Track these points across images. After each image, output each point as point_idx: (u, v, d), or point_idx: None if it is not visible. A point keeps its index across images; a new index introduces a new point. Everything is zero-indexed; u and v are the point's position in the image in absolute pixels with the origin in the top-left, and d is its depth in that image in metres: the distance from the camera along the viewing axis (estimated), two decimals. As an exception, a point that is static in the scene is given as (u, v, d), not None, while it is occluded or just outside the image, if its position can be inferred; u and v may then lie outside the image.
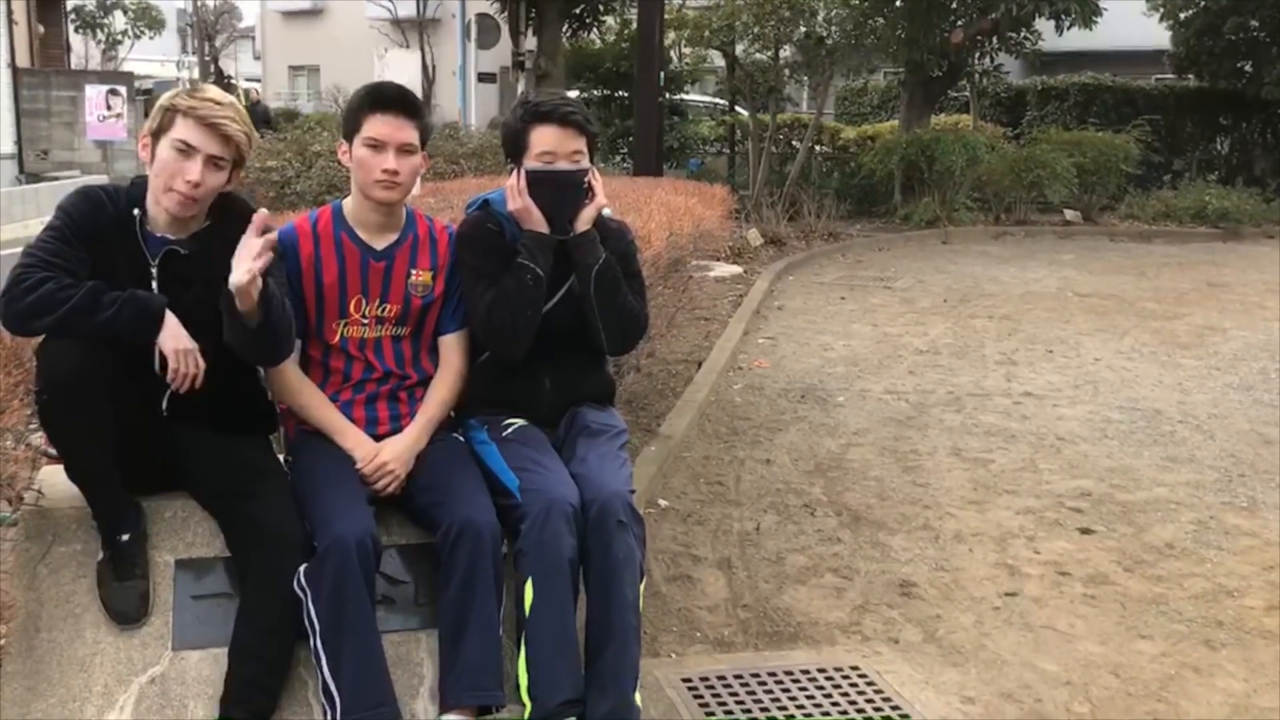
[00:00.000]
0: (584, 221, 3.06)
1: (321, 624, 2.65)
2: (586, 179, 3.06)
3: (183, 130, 2.68)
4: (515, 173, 3.05)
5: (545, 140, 3.01)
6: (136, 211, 2.74)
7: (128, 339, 2.60)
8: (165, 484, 2.84)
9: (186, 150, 2.68)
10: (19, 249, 2.74)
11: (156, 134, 2.72)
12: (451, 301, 3.08)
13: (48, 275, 2.56)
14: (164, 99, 2.75)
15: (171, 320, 2.63)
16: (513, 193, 3.03)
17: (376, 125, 2.91)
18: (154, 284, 2.72)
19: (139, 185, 2.78)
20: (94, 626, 2.73)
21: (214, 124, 2.68)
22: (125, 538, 2.71)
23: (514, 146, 3.07)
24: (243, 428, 2.92)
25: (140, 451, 2.72)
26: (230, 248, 2.64)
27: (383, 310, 3.01)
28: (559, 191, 3.03)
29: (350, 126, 2.94)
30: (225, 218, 2.80)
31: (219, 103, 2.73)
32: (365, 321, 3.00)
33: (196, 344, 2.65)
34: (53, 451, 2.88)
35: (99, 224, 2.70)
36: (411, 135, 2.93)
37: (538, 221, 3.02)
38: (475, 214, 3.17)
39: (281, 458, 3.04)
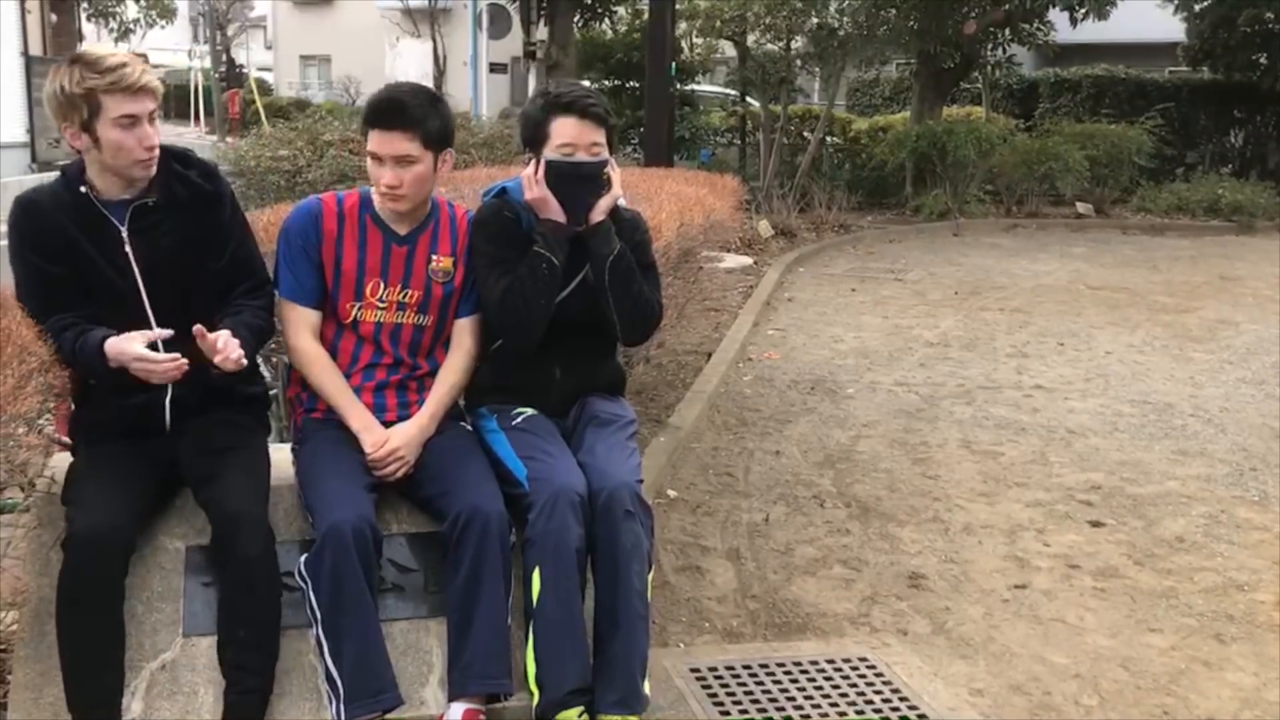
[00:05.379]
0: (599, 212, 3.06)
1: (322, 612, 2.67)
2: (605, 171, 3.05)
3: (117, 106, 2.67)
4: (533, 162, 3.05)
5: (565, 132, 3.00)
6: (83, 189, 2.76)
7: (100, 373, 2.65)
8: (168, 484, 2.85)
9: (133, 121, 2.69)
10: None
11: (88, 123, 2.69)
12: (466, 286, 3.09)
13: (53, 330, 2.64)
14: (66, 87, 2.67)
15: (112, 345, 2.62)
16: (530, 181, 3.03)
17: (372, 139, 2.91)
18: (126, 246, 2.75)
19: (74, 166, 2.79)
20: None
21: (142, 87, 2.70)
22: None
23: (533, 136, 3.06)
24: (228, 403, 2.91)
25: (148, 476, 2.74)
26: (193, 188, 2.83)
27: (404, 295, 3.01)
28: (577, 183, 3.02)
29: (363, 136, 2.97)
30: (168, 162, 2.84)
31: (125, 64, 2.71)
32: (382, 306, 3.00)
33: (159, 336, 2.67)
34: (66, 440, 2.90)
35: (46, 224, 2.73)
36: (406, 147, 2.88)
37: (555, 211, 3.02)
38: (492, 201, 3.17)
39: (288, 447, 3.05)
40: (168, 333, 2.69)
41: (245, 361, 2.72)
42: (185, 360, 2.65)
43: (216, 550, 2.71)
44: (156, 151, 2.75)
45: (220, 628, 2.70)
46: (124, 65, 2.69)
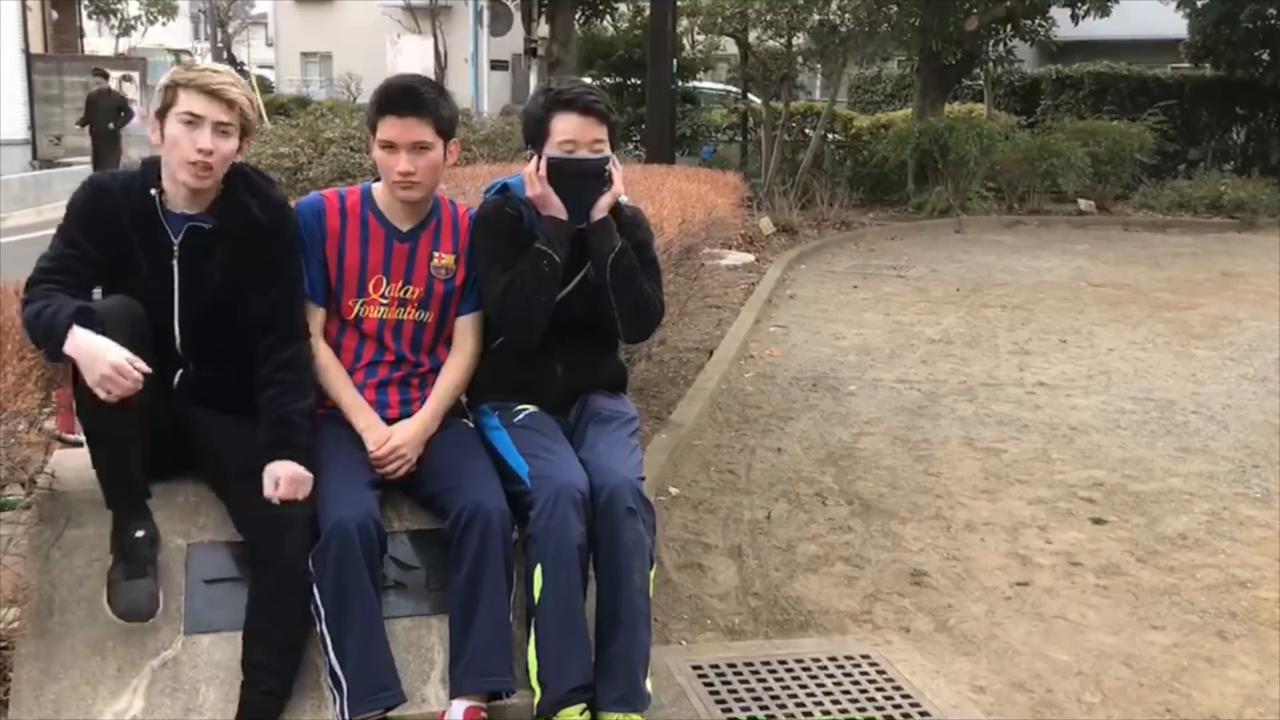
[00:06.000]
0: (601, 209, 3.05)
1: (326, 609, 2.67)
2: (607, 168, 3.05)
3: (186, 102, 2.72)
4: (535, 159, 3.04)
5: (567, 128, 2.99)
6: (153, 191, 2.77)
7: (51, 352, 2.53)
8: (173, 465, 2.85)
9: (193, 120, 2.71)
10: (31, 235, 2.77)
11: (162, 113, 2.75)
12: (467, 283, 3.09)
13: (37, 296, 2.57)
14: (165, 78, 2.79)
15: (82, 337, 2.46)
16: (531, 179, 3.02)
17: (386, 127, 2.90)
18: (175, 260, 2.77)
19: (152, 166, 2.82)
20: (107, 610, 2.74)
21: (215, 90, 2.72)
22: (140, 534, 2.67)
23: (535, 133, 3.06)
24: (250, 407, 2.90)
25: (152, 431, 2.72)
26: (248, 217, 2.80)
27: (405, 292, 3.01)
28: (579, 180, 3.01)
29: (370, 125, 2.96)
30: (240, 188, 2.85)
31: (216, 71, 2.79)
32: (384, 302, 3.00)
33: (123, 358, 2.46)
34: (67, 436, 2.90)
35: (105, 209, 2.74)
36: (422, 134, 2.89)
37: (556, 208, 3.01)
38: (494, 198, 3.16)
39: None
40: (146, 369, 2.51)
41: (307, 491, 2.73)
42: (138, 382, 2.48)
43: (256, 545, 2.72)
44: (211, 161, 2.71)
45: (250, 626, 2.69)
46: (212, 71, 2.77)
